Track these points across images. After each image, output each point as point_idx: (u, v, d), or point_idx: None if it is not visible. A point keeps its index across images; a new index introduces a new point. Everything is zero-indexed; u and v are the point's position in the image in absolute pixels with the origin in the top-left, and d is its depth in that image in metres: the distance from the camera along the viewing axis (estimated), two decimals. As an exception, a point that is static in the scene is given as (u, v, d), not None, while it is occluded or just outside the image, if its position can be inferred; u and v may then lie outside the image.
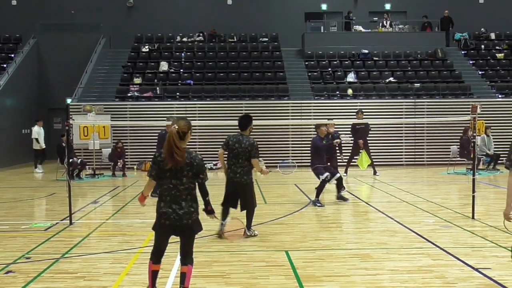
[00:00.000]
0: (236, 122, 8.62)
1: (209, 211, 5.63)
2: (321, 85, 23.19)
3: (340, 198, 12.14)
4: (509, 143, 5.73)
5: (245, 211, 8.63)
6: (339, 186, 12.12)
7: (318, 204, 11.53)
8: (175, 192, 5.31)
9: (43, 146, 20.43)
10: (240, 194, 8.57)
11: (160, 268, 5.62)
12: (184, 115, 20.30)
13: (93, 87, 23.35)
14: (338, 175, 12.01)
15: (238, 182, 8.47)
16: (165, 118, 19.39)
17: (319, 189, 11.69)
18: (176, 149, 5.19)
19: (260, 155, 20.95)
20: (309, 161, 12.11)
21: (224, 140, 8.66)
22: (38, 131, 20.39)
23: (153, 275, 5.58)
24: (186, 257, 5.49)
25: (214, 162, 20.24)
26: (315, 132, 12.22)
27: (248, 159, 8.42)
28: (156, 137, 13.65)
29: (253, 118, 8.70)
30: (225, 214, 8.63)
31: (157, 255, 5.55)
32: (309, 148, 12.28)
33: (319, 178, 11.63)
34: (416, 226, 9.24)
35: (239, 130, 8.58)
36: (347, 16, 26.92)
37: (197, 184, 5.41)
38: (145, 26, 27.08)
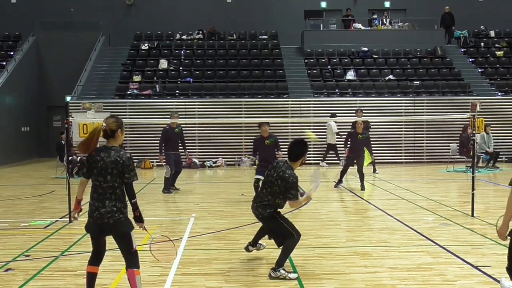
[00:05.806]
0: (235, 120, 8.54)
1: (136, 217, 5.23)
2: (321, 83, 23.17)
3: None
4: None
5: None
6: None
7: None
8: (99, 190, 5.22)
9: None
10: None
11: (98, 271, 5.40)
12: (183, 113, 20.29)
13: (93, 85, 23.34)
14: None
15: None
16: (164, 116, 19.47)
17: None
18: (92, 144, 5.20)
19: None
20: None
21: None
22: (334, 125, 19.89)
23: (89, 277, 5.35)
24: (126, 260, 5.28)
25: (214, 160, 20.23)
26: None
27: None
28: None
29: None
30: None
31: (93, 256, 5.40)
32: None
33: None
34: (415, 224, 9.25)
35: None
36: (347, 15, 26.91)
37: (124, 185, 5.19)
38: (145, 24, 27.08)
